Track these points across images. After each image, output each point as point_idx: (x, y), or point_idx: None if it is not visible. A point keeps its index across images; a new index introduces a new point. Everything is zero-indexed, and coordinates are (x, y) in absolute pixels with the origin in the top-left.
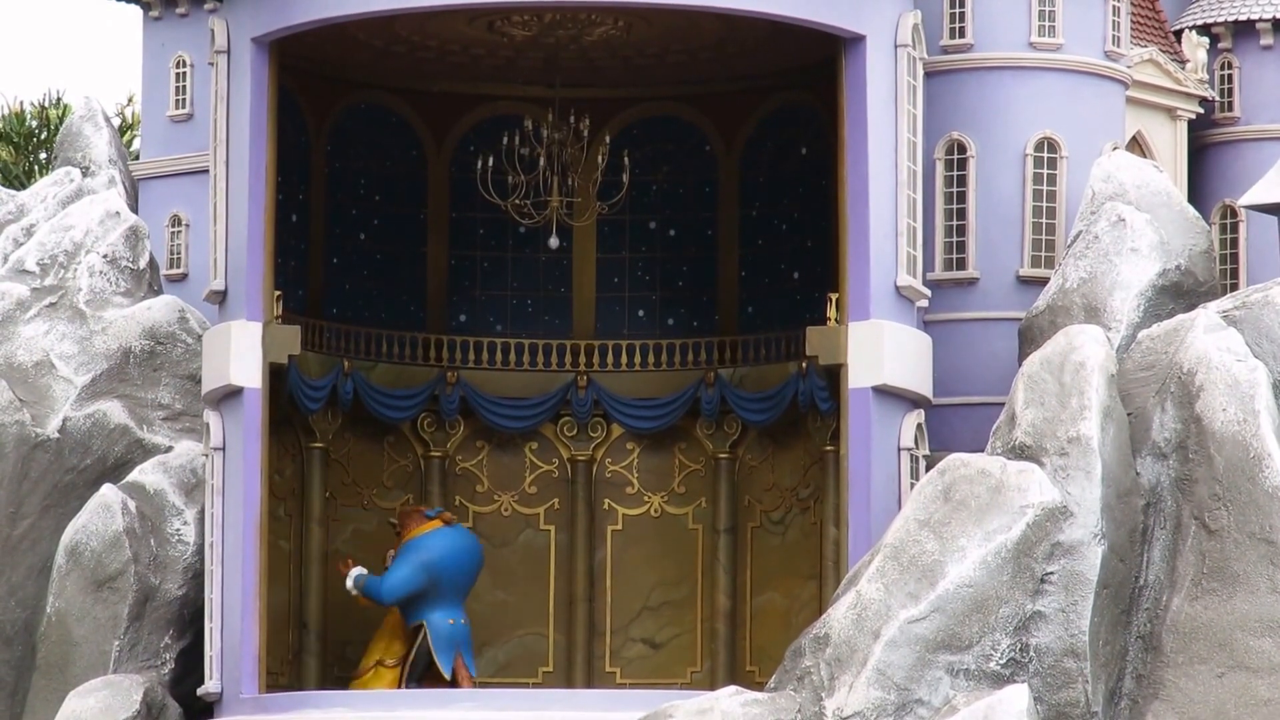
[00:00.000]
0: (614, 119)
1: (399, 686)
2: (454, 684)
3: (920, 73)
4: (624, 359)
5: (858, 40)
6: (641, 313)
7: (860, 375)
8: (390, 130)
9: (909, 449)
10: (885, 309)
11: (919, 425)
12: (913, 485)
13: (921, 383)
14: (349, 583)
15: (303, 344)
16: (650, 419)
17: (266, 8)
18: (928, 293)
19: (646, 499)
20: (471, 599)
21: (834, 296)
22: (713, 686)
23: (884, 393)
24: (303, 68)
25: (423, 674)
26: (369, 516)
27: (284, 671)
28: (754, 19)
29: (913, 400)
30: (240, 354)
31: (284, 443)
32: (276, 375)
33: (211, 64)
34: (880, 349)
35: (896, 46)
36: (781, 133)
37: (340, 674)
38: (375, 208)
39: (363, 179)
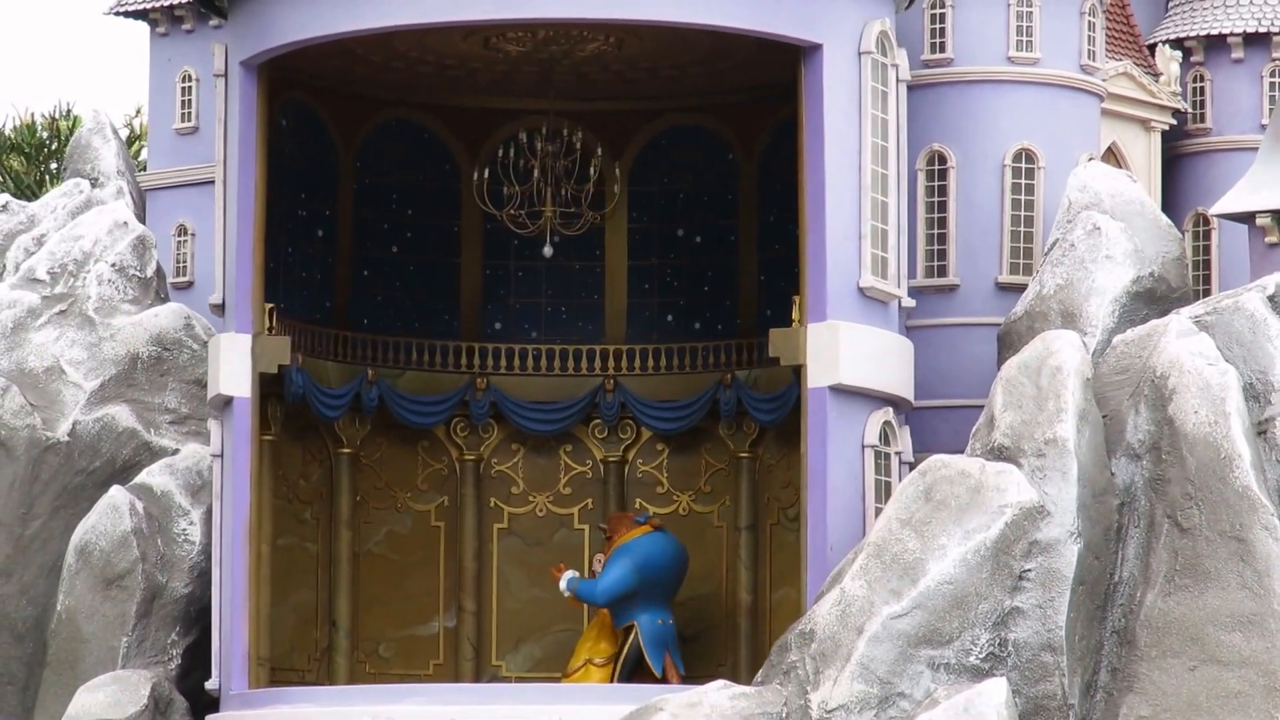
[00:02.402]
0: (611, 131)
1: (611, 683)
2: (664, 680)
3: (894, 78)
4: (649, 362)
5: (815, 49)
6: (670, 317)
7: (817, 375)
8: (422, 145)
9: (873, 446)
10: (846, 310)
11: (888, 423)
12: (880, 482)
13: (891, 382)
14: (562, 585)
15: (326, 354)
16: (672, 420)
17: (252, 31)
18: (902, 293)
19: (675, 498)
20: (507, 596)
21: (797, 299)
22: (737, 681)
23: (844, 392)
24: (327, 87)
25: (633, 671)
26: (403, 518)
27: (312, 669)
28: (732, 34)
29: (882, 399)
30: (230, 365)
31: (310, 448)
32: (271, 383)
33: (215, 86)
34: (836, 349)
35: (860, 54)
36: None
37: (373, 671)
38: (408, 221)
39: (394, 193)
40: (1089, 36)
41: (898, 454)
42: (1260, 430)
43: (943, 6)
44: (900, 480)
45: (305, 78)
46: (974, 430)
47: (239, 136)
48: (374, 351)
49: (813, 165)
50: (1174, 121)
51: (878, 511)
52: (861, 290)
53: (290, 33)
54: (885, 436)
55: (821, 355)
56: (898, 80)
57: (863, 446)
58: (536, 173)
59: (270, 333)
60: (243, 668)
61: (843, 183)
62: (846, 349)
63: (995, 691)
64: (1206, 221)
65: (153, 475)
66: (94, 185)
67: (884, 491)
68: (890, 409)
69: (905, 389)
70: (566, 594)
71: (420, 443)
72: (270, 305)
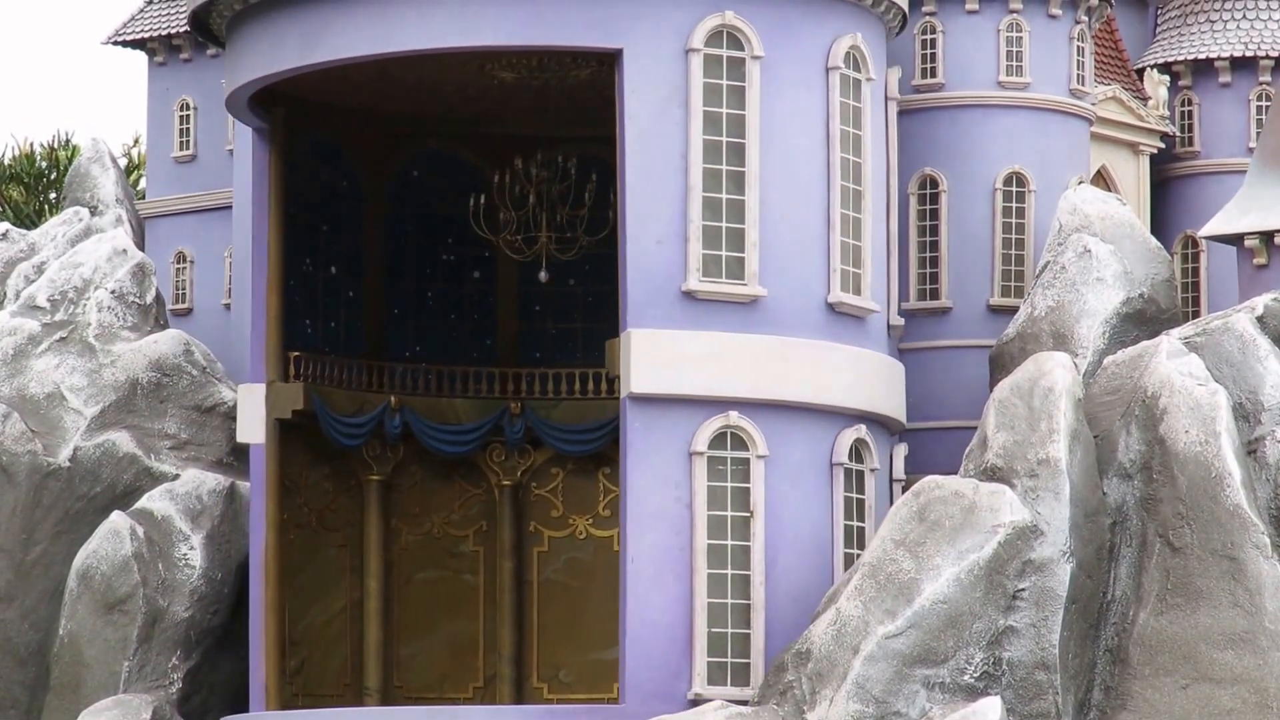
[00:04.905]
0: (603, 155)
1: None
2: None
3: (756, 73)
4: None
5: (615, 54)
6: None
7: (623, 384)
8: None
9: (703, 453)
10: (663, 315)
11: (731, 428)
12: (719, 489)
13: (745, 386)
14: None
15: (477, 391)
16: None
17: (233, 72)
18: (761, 292)
19: None
20: None
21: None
22: None
23: (648, 400)
24: (480, 134)
25: None
26: (585, 545)
27: (474, 696)
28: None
29: (722, 404)
30: (246, 413)
31: (462, 484)
32: (293, 427)
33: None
34: (629, 357)
35: (687, 52)
36: None
37: (552, 696)
38: (586, 255)
39: (569, 230)
40: (1078, 61)
41: (761, 458)
42: (1250, 449)
43: (933, 32)
44: (762, 484)
45: (433, 125)
46: (967, 451)
47: (251, 196)
48: (540, 385)
49: (619, 168)
50: (1162, 145)
51: (710, 519)
52: (689, 294)
53: (250, 72)
54: (732, 441)
55: (625, 364)
56: (760, 74)
57: (689, 454)
58: (532, 198)
59: (291, 379)
60: (260, 694)
61: (657, 184)
62: (645, 356)
63: (990, 710)
64: (1195, 244)
65: (153, 500)
66: (93, 213)
67: (729, 499)
68: (734, 413)
69: (728, 388)
70: None
71: (602, 469)
72: (295, 353)
